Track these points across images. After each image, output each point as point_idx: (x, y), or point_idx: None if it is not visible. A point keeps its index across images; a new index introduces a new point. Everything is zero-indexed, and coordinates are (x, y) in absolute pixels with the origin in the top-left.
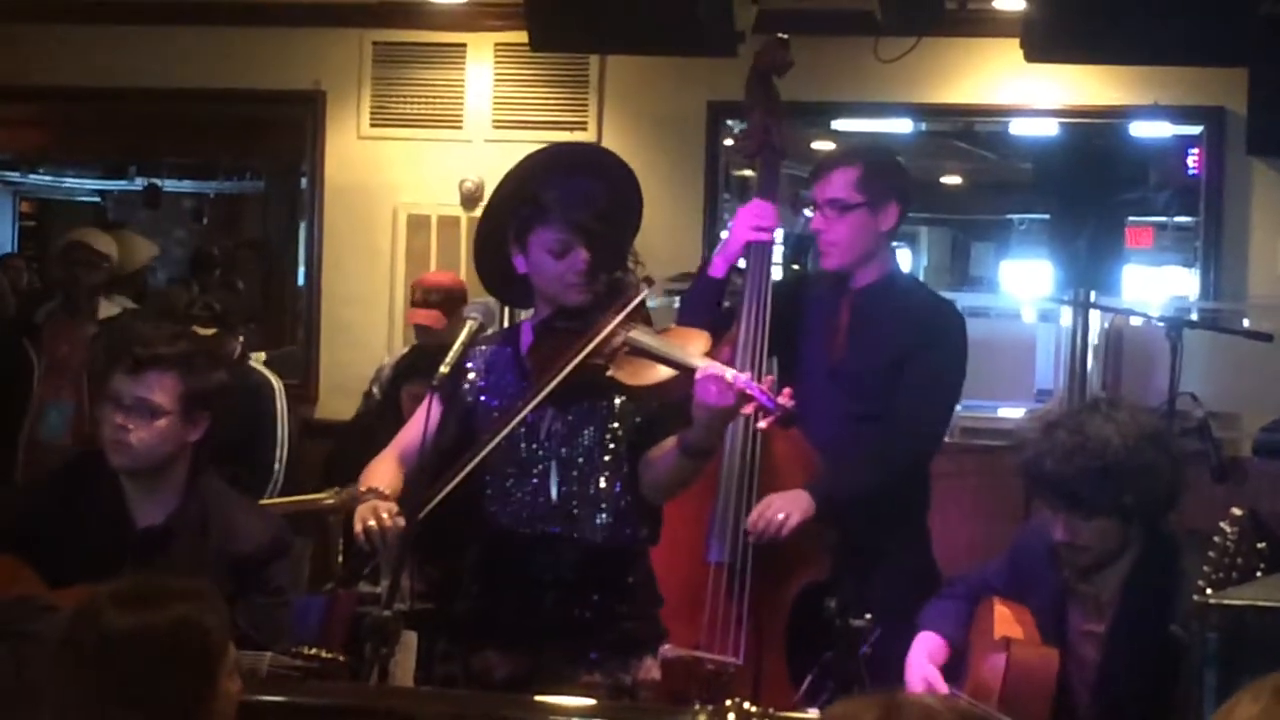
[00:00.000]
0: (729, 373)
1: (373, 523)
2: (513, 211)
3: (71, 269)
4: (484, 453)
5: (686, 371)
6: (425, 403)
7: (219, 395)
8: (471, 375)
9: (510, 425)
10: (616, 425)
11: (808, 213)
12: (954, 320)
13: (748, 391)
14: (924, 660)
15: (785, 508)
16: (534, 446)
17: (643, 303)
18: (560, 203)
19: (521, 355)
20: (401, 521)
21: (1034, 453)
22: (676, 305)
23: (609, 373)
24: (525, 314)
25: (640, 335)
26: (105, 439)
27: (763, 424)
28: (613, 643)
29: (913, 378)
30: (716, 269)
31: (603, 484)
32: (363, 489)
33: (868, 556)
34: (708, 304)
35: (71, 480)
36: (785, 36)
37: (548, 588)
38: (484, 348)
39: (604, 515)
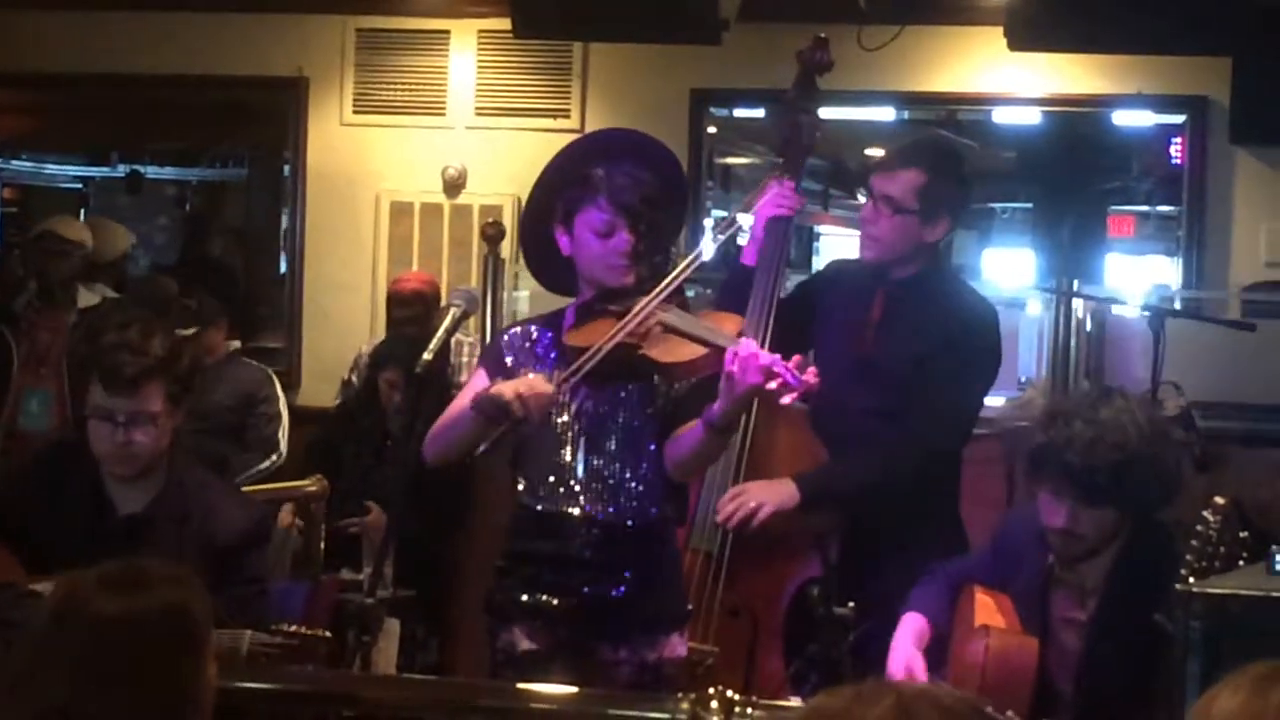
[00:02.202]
0: (758, 350)
1: (524, 390)
2: (560, 192)
3: (43, 258)
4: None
5: (717, 350)
6: (471, 376)
7: (198, 375)
8: (509, 359)
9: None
10: (646, 406)
11: (862, 197)
12: (987, 321)
13: (774, 368)
14: (908, 643)
15: (760, 496)
16: (563, 425)
17: (681, 288)
18: (607, 183)
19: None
20: (551, 389)
21: (1049, 442)
22: (709, 292)
23: (640, 351)
24: (519, 300)
25: (672, 316)
26: (101, 451)
27: (786, 400)
28: (638, 620)
29: (934, 377)
30: (748, 257)
31: (630, 464)
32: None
33: (891, 548)
34: (743, 292)
35: (51, 468)
36: (825, 36)
37: (573, 565)
38: (522, 332)
39: (630, 495)
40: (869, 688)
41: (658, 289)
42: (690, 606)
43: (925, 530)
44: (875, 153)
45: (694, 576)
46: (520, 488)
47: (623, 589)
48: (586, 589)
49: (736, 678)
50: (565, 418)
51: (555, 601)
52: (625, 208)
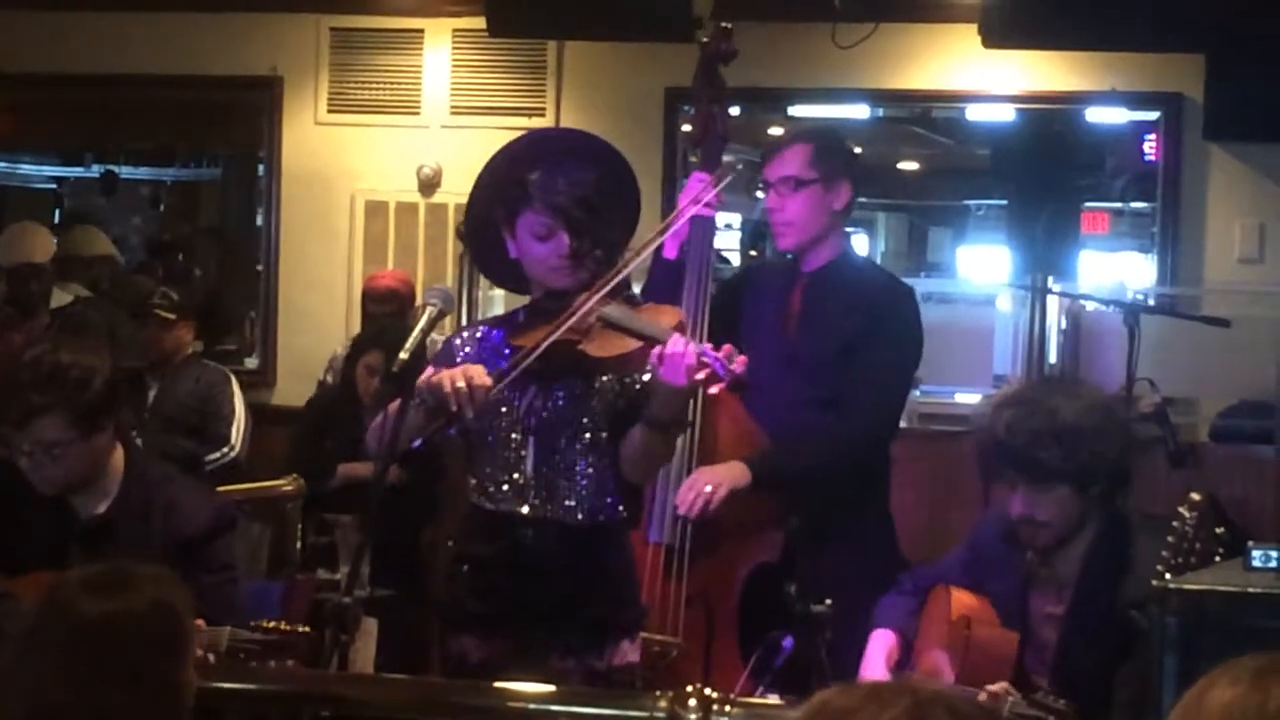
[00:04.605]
0: (685, 345)
1: (462, 384)
2: (499, 196)
3: (20, 284)
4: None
5: (652, 343)
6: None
7: (115, 396)
8: (459, 359)
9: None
10: (596, 404)
11: (760, 195)
12: (906, 302)
13: (703, 358)
14: (882, 663)
15: (713, 479)
16: (512, 424)
17: (626, 283)
18: (542, 186)
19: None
20: (490, 382)
21: (987, 427)
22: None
23: (579, 346)
24: (494, 299)
25: (613, 311)
26: (25, 471)
27: (714, 390)
28: (588, 626)
29: (864, 362)
30: (669, 250)
31: (580, 463)
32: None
33: (826, 539)
34: (668, 286)
35: (9, 476)
36: (729, 25)
37: (524, 569)
38: (474, 331)
39: (581, 495)
40: (885, 687)
41: (598, 284)
42: (646, 605)
43: (855, 523)
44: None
45: (656, 571)
46: (472, 486)
47: (572, 593)
48: (536, 593)
49: (695, 666)
50: (514, 416)
51: (504, 606)
52: (561, 211)
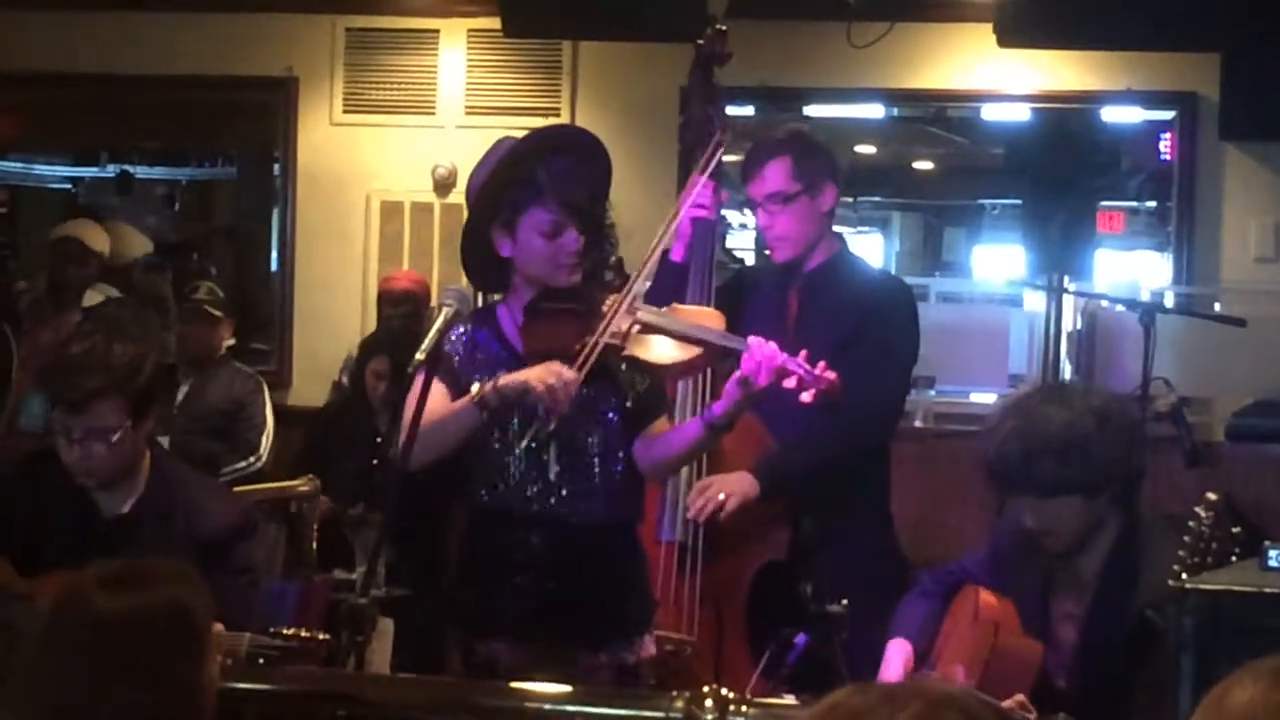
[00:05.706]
0: (773, 349)
1: (554, 381)
2: (504, 193)
3: (62, 263)
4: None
5: (714, 349)
6: (419, 380)
7: (161, 381)
8: (455, 359)
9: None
10: (614, 404)
11: (748, 212)
12: (901, 299)
13: (788, 366)
14: (900, 675)
15: (725, 489)
16: (530, 426)
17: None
18: (554, 183)
19: (505, 335)
20: (575, 376)
21: (985, 444)
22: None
23: (626, 352)
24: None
25: (649, 315)
26: (67, 461)
27: (807, 397)
28: (614, 623)
29: (862, 360)
30: (675, 254)
31: (599, 465)
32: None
33: (825, 540)
34: (673, 289)
35: (36, 472)
36: (724, 27)
37: (546, 570)
38: (457, 331)
39: (602, 494)
40: (898, 689)
41: (627, 288)
42: (659, 600)
43: (855, 525)
44: (865, 149)
45: (669, 569)
46: (486, 490)
47: (599, 591)
48: (560, 592)
49: (706, 666)
50: (532, 419)
51: (530, 608)
52: (574, 207)
